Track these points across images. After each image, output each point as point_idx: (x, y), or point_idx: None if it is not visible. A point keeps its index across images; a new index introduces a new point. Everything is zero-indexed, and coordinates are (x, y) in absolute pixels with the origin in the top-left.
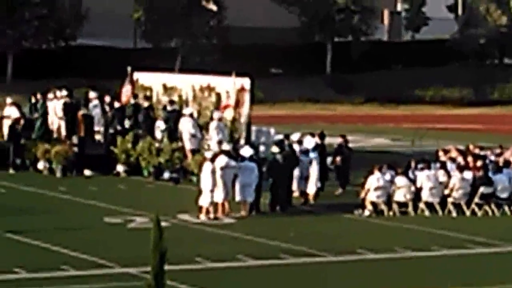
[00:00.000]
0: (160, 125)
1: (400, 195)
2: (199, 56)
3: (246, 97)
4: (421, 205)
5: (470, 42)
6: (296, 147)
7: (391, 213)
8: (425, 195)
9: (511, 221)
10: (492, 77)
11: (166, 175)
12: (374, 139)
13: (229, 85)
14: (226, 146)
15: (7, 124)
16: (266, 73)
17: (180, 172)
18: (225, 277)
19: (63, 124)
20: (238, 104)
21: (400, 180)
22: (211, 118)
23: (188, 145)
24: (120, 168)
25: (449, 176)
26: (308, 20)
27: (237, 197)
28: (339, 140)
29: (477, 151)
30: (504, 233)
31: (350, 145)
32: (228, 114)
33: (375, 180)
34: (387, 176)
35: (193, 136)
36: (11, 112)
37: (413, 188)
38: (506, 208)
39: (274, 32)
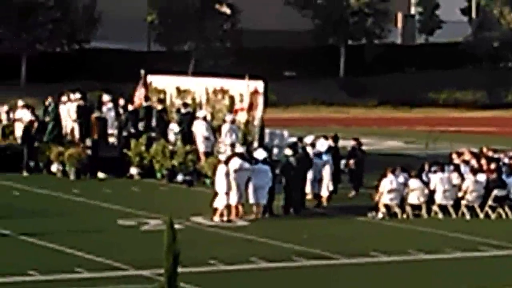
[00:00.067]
0: (173, 127)
1: (414, 198)
2: (213, 59)
3: (260, 100)
4: (435, 208)
5: (484, 45)
6: (309, 149)
7: (404, 215)
8: (439, 198)
9: None
10: (506, 80)
11: (180, 177)
12: (387, 142)
13: (242, 88)
14: (239, 149)
15: (19, 126)
16: (279, 76)
17: (193, 175)
18: (239, 279)
19: (76, 126)
20: (251, 107)
21: (414, 183)
22: (224, 121)
23: (201, 148)
24: (133, 170)
25: (462, 178)
26: (322, 23)
27: (251, 200)
28: (352, 143)
29: (490, 153)
30: None
31: (364, 147)
32: (242, 117)
33: (388, 182)
34: (401, 179)
35: (206, 139)
36: (23, 114)
37: (426, 191)
38: None
39: (287, 35)
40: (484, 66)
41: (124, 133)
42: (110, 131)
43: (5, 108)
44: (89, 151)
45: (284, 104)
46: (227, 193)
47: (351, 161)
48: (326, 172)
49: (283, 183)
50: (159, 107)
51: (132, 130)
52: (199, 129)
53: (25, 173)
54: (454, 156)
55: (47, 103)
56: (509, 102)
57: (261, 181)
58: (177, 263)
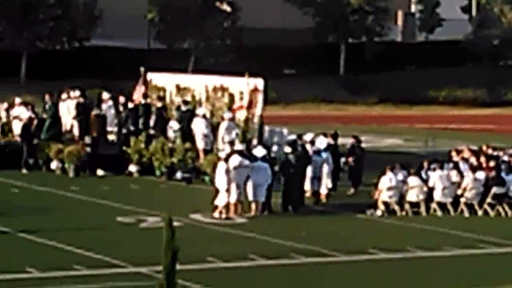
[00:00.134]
0: (173, 125)
1: (413, 195)
2: (213, 57)
3: (260, 97)
4: (434, 205)
5: (484, 43)
6: (308, 147)
7: (403, 213)
8: (438, 195)
9: None
10: (506, 78)
11: (179, 175)
12: (387, 140)
13: (242, 86)
14: (239, 146)
15: (17, 124)
16: (279, 74)
17: (192, 172)
18: (237, 276)
19: (76, 124)
20: (251, 104)
21: (413, 180)
22: (222, 118)
23: (200, 145)
24: (132, 168)
25: (461, 176)
26: (322, 20)
27: (249, 197)
28: (351, 140)
29: (490, 151)
30: None
31: (363, 145)
32: (241, 115)
33: (387, 180)
34: (400, 176)
35: (205, 136)
36: (21, 112)
37: (425, 188)
38: None
39: (287, 33)
40: (484, 64)
41: (124, 131)
42: (109, 128)
43: (5, 105)
44: (88, 149)
45: (283, 101)
46: (228, 190)
47: (350, 159)
48: (325, 169)
49: (282, 180)
50: (159, 104)
51: (132, 128)
52: (199, 127)
53: (24, 170)
54: (454, 153)
55: (46, 100)
56: (509, 100)
57: (260, 178)
58: (175, 260)
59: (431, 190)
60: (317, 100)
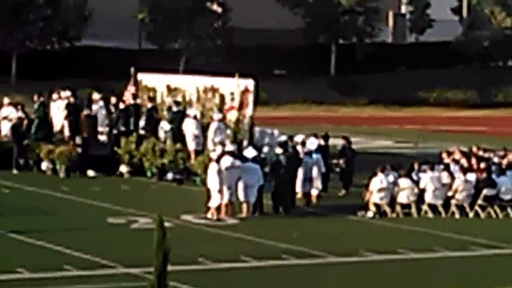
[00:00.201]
0: (164, 126)
1: (403, 197)
2: (204, 58)
3: (250, 98)
4: (425, 207)
5: (475, 44)
6: (299, 148)
7: (394, 214)
8: (429, 197)
9: None
10: (497, 79)
11: (170, 176)
12: (377, 141)
13: (233, 87)
14: (230, 147)
15: (5, 124)
16: (270, 75)
17: (183, 173)
18: (228, 277)
19: (66, 124)
20: (242, 105)
21: (404, 182)
22: (211, 119)
23: (191, 146)
24: (123, 168)
25: (452, 178)
26: (313, 21)
27: (240, 198)
28: (342, 141)
29: (480, 153)
30: (507, 235)
31: (354, 146)
32: (232, 116)
33: (378, 181)
34: (391, 178)
35: (196, 137)
36: (9, 112)
37: (416, 190)
38: (510, 210)
39: (278, 34)
40: (474, 66)
41: (115, 131)
42: (100, 129)
43: None
44: (79, 149)
45: (274, 102)
46: (220, 191)
47: (341, 160)
48: (316, 170)
49: (272, 181)
50: (149, 105)
51: (122, 128)
52: (189, 128)
53: (15, 171)
54: (444, 155)
55: (35, 100)
56: (499, 101)
57: (250, 179)
58: (166, 261)
59: (422, 191)
60: (308, 101)
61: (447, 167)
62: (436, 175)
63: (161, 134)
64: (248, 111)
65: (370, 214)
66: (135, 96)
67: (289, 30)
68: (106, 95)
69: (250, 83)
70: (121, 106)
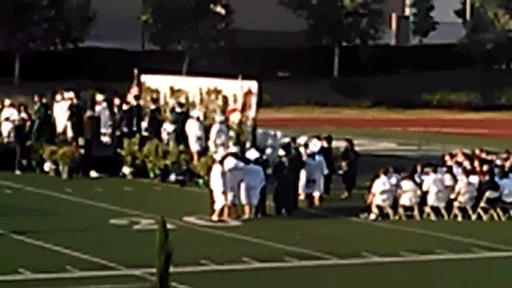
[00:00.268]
0: (166, 127)
1: (406, 199)
2: (207, 59)
3: (253, 100)
4: (427, 209)
5: (478, 47)
6: (302, 150)
7: (396, 216)
8: (431, 199)
9: None
10: (500, 81)
11: (172, 177)
12: (380, 143)
13: (236, 88)
14: (233, 148)
15: (6, 125)
16: (273, 76)
17: (186, 175)
18: (230, 279)
19: (69, 125)
20: (245, 107)
21: (406, 184)
22: (213, 120)
23: (194, 148)
24: (126, 170)
25: (455, 180)
26: (316, 23)
27: (243, 200)
28: (345, 143)
29: (483, 155)
30: (509, 238)
31: (357, 148)
32: (235, 118)
33: (381, 183)
34: (393, 180)
35: (199, 138)
36: (10, 113)
37: (419, 192)
38: None
39: (281, 36)
40: (478, 68)
41: (117, 133)
42: (103, 130)
43: None
44: (82, 150)
45: (277, 104)
46: (224, 193)
47: (344, 163)
48: (319, 172)
49: (275, 183)
50: (153, 106)
51: (125, 130)
52: (192, 129)
53: (17, 172)
54: (447, 157)
55: (36, 100)
56: (502, 104)
57: (253, 181)
58: (169, 262)
59: (425, 194)
60: (311, 103)
61: (450, 170)
62: (439, 178)
63: (164, 136)
64: (251, 112)
65: (372, 216)
66: (137, 97)
67: (292, 32)
68: (110, 96)
69: (253, 85)
70: (125, 107)
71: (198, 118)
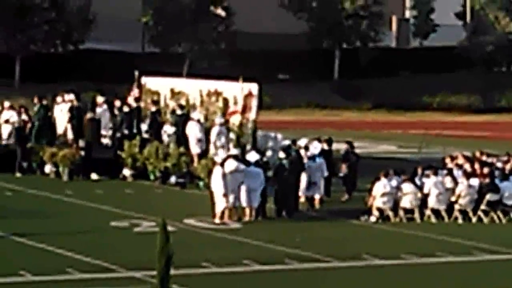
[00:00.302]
0: (167, 129)
1: (407, 202)
2: (207, 61)
3: (254, 102)
4: (428, 212)
5: (478, 49)
6: (302, 152)
7: (397, 219)
8: (432, 202)
9: None
10: (500, 84)
11: (173, 179)
12: (381, 146)
13: (236, 91)
14: (234, 151)
15: (6, 128)
16: (273, 79)
17: (186, 177)
18: (231, 282)
19: (69, 127)
20: (245, 109)
21: (407, 187)
22: (213, 123)
23: (195, 150)
24: (126, 172)
25: (456, 183)
26: (316, 26)
27: (243, 203)
28: (345, 146)
29: (484, 158)
30: (510, 240)
31: (357, 151)
32: (236, 120)
33: (381, 186)
34: (394, 182)
35: (199, 141)
36: (9, 115)
37: (419, 195)
38: None
39: (282, 38)
40: (478, 70)
41: (118, 135)
42: (103, 132)
43: None
44: (82, 152)
45: (278, 106)
46: (225, 195)
47: (344, 165)
48: (319, 175)
49: (275, 185)
50: (153, 108)
51: (126, 132)
52: (193, 131)
53: (18, 174)
54: (448, 160)
55: (35, 102)
56: (503, 106)
57: (253, 183)
58: (169, 265)
59: (425, 196)
60: (311, 105)
61: (450, 172)
62: (440, 180)
63: (165, 138)
64: (252, 115)
65: (373, 218)
66: (137, 99)
67: (293, 35)
68: (110, 98)
69: (253, 87)
70: (125, 109)
71: (198, 120)
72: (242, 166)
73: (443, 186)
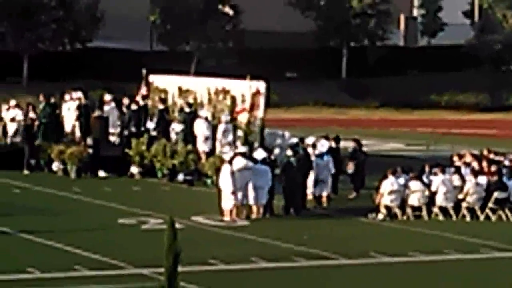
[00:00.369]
0: (175, 127)
1: (414, 199)
2: (215, 59)
3: (261, 100)
4: (435, 210)
5: (486, 48)
6: (310, 150)
7: (405, 217)
8: (440, 200)
9: None
10: (508, 82)
11: (181, 177)
12: (388, 144)
13: (244, 89)
14: (242, 148)
15: (12, 126)
16: (281, 77)
17: (194, 174)
18: (238, 279)
19: (77, 125)
20: (253, 107)
21: (414, 184)
22: (219, 121)
23: (202, 148)
24: (134, 169)
25: (463, 181)
26: (324, 24)
27: (250, 200)
28: (352, 144)
29: (491, 156)
30: None
31: (365, 149)
32: (244, 118)
33: (389, 184)
34: (401, 180)
35: (207, 138)
36: (16, 114)
37: (427, 192)
38: None
39: (289, 36)
40: (486, 69)
41: (125, 132)
42: (111, 130)
43: (7, 106)
44: (90, 150)
45: (285, 105)
46: (234, 193)
47: (351, 163)
48: (327, 173)
49: (283, 183)
50: (161, 106)
51: (133, 129)
52: (200, 129)
53: (26, 171)
54: (455, 158)
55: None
56: (511, 104)
57: (260, 181)
58: (177, 262)
59: (433, 194)
60: (319, 104)
61: (458, 170)
62: (447, 178)
63: (172, 135)
64: (259, 113)
65: (380, 216)
66: (145, 97)
67: (300, 33)
68: (119, 96)
69: (261, 85)
70: (133, 107)
71: (206, 118)
72: (250, 164)
73: (450, 184)
